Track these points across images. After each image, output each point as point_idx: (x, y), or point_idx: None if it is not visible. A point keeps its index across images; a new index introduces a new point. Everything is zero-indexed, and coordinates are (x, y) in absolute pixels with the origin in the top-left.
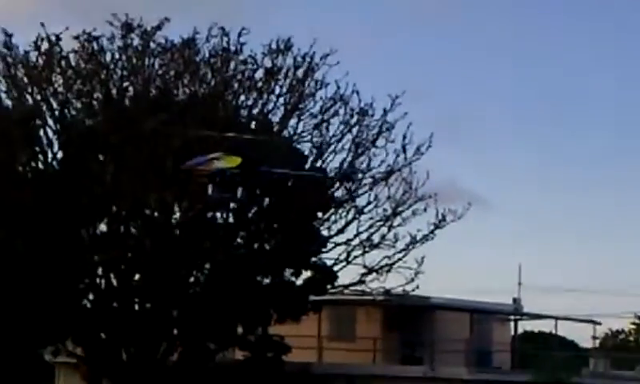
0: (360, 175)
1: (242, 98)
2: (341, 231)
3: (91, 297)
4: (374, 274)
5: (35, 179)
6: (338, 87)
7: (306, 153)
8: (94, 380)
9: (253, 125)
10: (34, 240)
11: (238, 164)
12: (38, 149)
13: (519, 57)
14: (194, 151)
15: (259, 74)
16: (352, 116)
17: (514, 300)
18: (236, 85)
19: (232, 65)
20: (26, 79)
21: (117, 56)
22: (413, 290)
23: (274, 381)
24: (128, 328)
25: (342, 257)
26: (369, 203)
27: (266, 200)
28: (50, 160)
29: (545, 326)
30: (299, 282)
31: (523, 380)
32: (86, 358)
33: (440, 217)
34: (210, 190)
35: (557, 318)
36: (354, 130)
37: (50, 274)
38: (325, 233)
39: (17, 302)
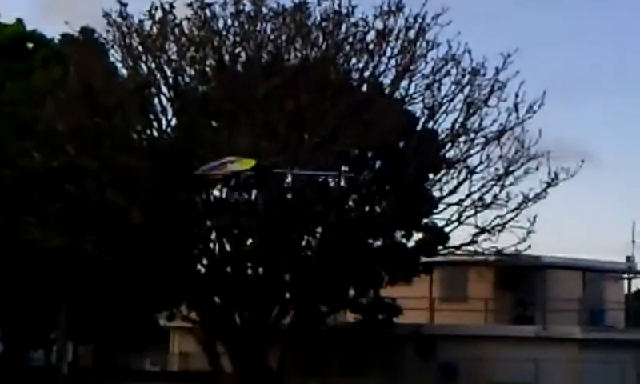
0: (472, 135)
1: (354, 60)
2: (452, 192)
3: (205, 262)
4: (486, 234)
5: (150, 147)
6: (450, 47)
7: (418, 114)
8: (208, 343)
9: (364, 87)
10: (150, 207)
11: (252, 166)
12: (152, 117)
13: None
14: (305, 116)
15: (370, 36)
16: (464, 76)
17: (628, 258)
18: (347, 48)
19: (343, 28)
20: (140, 48)
21: (229, 22)
22: (525, 250)
23: (385, 343)
24: (241, 292)
25: (454, 217)
26: (481, 163)
27: (378, 162)
28: (164, 128)
29: None
30: (411, 243)
31: (637, 338)
32: (200, 322)
33: (552, 175)
34: (224, 194)
35: None
36: (466, 90)
37: (165, 240)
38: (436, 194)
39: (133, 269)
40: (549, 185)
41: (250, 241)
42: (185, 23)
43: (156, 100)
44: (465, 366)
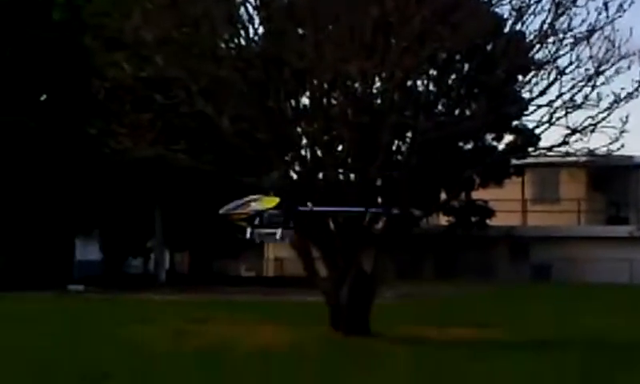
0: (561, 36)
1: None
2: (542, 93)
3: (297, 168)
4: (577, 135)
5: (237, 56)
6: None
7: (506, 16)
8: (303, 248)
9: None
10: (239, 115)
11: (276, 204)
12: (239, 26)
13: None
14: (391, 20)
15: None
16: None
17: None
18: None
19: None
20: None
21: None
22: (617, 149)
23: (478, 245)
24: (334, 198)
25: (545, 119)
26: (570, 64)
27: (466, 65)
28: (251, 36)
29: None
30: (501, 146)
31: None
32: (294, 228)
33: None
34: (247, 234)
35: None
36: None
37: (256, 148)
38: (526, 95)
39: (226, 177)
40: None
41: (340, 147)
42: None
43: (242, 9)
44: (558, 266)
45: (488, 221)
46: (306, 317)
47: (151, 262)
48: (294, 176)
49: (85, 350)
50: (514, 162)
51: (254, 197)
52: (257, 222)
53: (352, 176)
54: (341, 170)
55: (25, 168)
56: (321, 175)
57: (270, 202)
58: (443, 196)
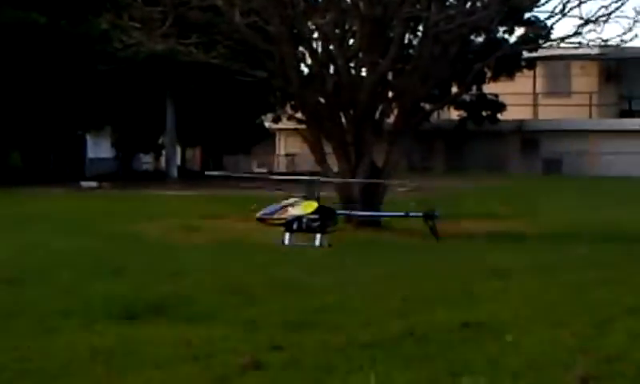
0: None
1: None
2: None
3: (309, 62)
4: (591, 25)
5: None
6: None
7: None
8: (315, 143)
9: None
10: (252, 9)
11: (314, 209)
12: None
13: None
14: None
15: None
16: None
17: None
18: None
19: None
20: None
21: None
22: (630, 40)
23: (489, 139)
24: (345, 92)
25: (557, 9)
26: None
27: None
28: None
29: None
30: (512, 38)
31: None
32: (306, 122)
33: None
34: (286, 239)
35: None
36: None
37: (268, 41)
38: None
39: (237, 72)
40: None
41: (352, 40)
42: None
43: None
44: (568, 160)
45: (499, 115)
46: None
47: (163, 158)
48: (306, 71)
49: (98, 245)
50: (526, 54)
51: (292, 201)
52: (295, 226)
53: (363, 70)
54: (352, 64)
55: (35, 64)
56: (332, 69)
57: (308, 207)
58: (454, 90)
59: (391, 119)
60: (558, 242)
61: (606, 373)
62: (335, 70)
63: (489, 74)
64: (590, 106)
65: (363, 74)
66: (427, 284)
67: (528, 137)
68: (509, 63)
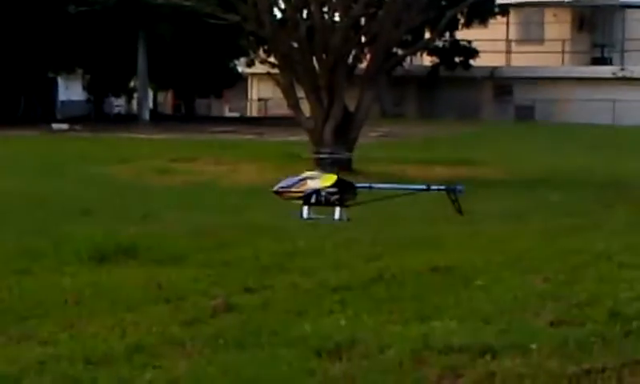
0: None
1: None
2: None
3: (282, 6)
4: None
5: None
6: None
7: None
8: (288, 86)
9: None
10: None
11: (333, 182)
12: None
13: None
14: None
15: None
16: None
17: None
18: None
19: None
20: None
21: None
22: None
23: (462, 85)
24: (318, 36)
25: None
26: None
27: None
28: None
29: None
30: None
31: None
32: (279, 66)
33: None
34: (305, 213)
35: None
36: None
37: None
38: None
39: (207, 15)
40: None
41: None
42: None
43: None
44: (541, 107)
45: (472, 61)
46: (290, 156)
47: (135, 101)
48: (279, 15)
49: (69, 187)
50: (499, 1)
51: (311, 174)
52: (313, 200)
53: (337, 15)
54: (325, 9)
55: (5, 6)
56: (305, 14)
57: (327, 180)
58: (427, 35)
59: (364, 64)
60: (530, 189)
61: (576, 318)
62: (308, 15)
63: (462, 21)
64: (563, 53)
65: (336, 18)
66: (398, 229)
67: (501, 83)
68: (482, 9)
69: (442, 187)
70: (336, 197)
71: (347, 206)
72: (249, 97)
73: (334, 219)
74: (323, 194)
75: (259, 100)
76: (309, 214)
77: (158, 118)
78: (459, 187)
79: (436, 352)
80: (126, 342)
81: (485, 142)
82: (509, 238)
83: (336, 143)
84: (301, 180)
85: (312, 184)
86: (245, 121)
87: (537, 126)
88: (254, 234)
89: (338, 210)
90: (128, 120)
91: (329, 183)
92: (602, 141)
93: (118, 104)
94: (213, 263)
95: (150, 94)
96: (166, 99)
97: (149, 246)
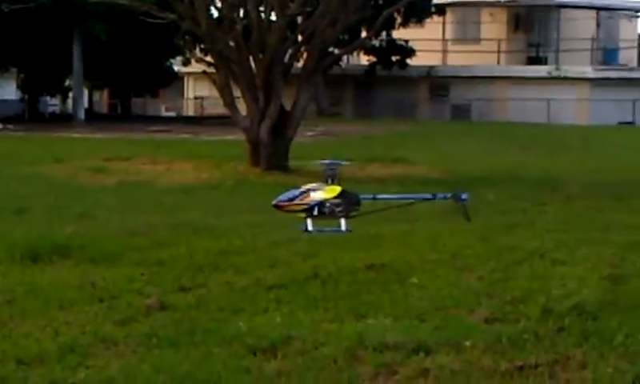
0: None
1: None
2: None
3: (218, 4)
4: None
5: None
6: None
7: None
8: (223, 85)
9: None
10: None
11: (337, 193)
12: None
13: None
14: None
15: None
16: None
17: None
18: None
19: None
20: None
21: None
22: None
23: (399, 84)
24: (255, 35)
25: None
26: None
27: None
28: None
29: None
30: None
31: None
32: (215, 65)
33: None
34: (309, 226)
35: None
36: None
37: None
38: None
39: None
40: None
41: None
42: None
43: None
44: (477, 106)
45: (408, 60)
46: (226, 155)
47: (70, 100)
48: (215, 13)
49: (2, 186)
50: (436, 1)
51: (312, 186)
52: (315, 212)
53: (273, 14)
54: (262, 8)
55: None
56: (242, 12)
57: (331, 192)
58: (364, 34)
59: (300, 63)
60: (466, 187)
61: (510, 315)
62: (245, 13)
63: (398, 20)
64: (499, 52)
65: (273, 17)
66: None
67: (437, 83)
68: (418, 9)
69: (449, 195)
70: (340, 208)
71: (352, 217)
72: (185, 96)
73: (341, 231)
74: (327, 205)
75: (195, 99)
76: (313, 226)
77: (93, 118)
78: (464, 195)
79: (371, 349)
80: (59, 342)
81: (421, 140)
82: (444, 236)
83: (272, 142)
84: (303, 192)
85: (315, 196)
86: (181, 120)
87: (473, 125)
88: (188, 233)
89: (343, 221)
90: (63, 119)
91: (333, 194)
92: (536, 139)
93: (53, 103)
94: (147, 262)
95: (86, 93)
96: (102, 98)
97: (83, 246)
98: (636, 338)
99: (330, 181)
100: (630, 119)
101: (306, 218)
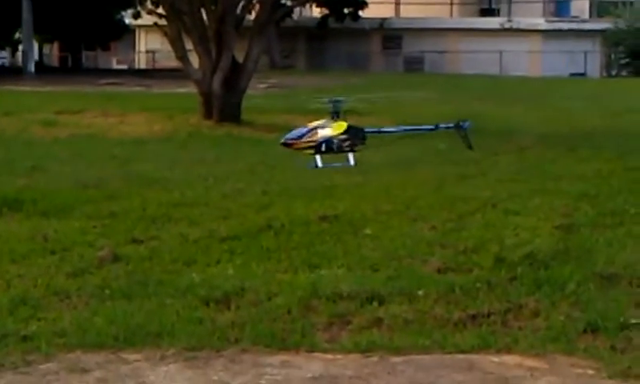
0: None
1: None
2: None
3: None
4: None
5: None
6: None
7: None
8: (175, 37)
9: None
10: None
11: (344, 129)
12: None
13: None
14: None
15: None
16: None
17: None
18: None
19: None
20: None
21: None
22: None
23: (351, 37)
24: None
25: None
26: None
27: None
28: None
29: None
30: None
31: (601, 27)
32: (166, 17)
33: None
34: (319, 162)
35: None
36: None
37: None
38: None
39: None
40: None
41: None
42: None
43: None
44: (430, 58)
45: (361, 12)
46: (179, 107)
47: (19, 53)
48: None
49: None
50: None
51: (319, 123)
52: (323, 148)
53: None
54: None
55: None
56: None
57: (338, 128)
58: None
59: (253, 15)
60: (418, 138)
61: (463, 264)
62: None
63: None
64: (452, 4)
65: None
66: (286, 178)
67: (390, 35)
68: None
69: (451, 125)
70: (348, 143)
71: (357, 151)
72: (136, 49)
73: (349, 165)
74: (335, 141)
75: (147, 52)
76: (323, 162)
77: (43, 71)
78: (466, 123)
79: (324, 299)
80: (11, 295)
81: (373, 92)
82: (397, 187)
83: (225, 94)
84: (311, 130)
85: (323, 133)
86: (133, 73)
87: (426, 76)
88: (141, 186)
89: (351, 155)
90: (13, 72)
91: (340, 130)
92: (488, 90)
93: (2, 56)
94: (99, 215)
95: (36, 46)
96: (52, 51)
97: (34, 199)
98: (587, 286)
99: (335, 117)
100: (581, 71)
101: (314, 155)
